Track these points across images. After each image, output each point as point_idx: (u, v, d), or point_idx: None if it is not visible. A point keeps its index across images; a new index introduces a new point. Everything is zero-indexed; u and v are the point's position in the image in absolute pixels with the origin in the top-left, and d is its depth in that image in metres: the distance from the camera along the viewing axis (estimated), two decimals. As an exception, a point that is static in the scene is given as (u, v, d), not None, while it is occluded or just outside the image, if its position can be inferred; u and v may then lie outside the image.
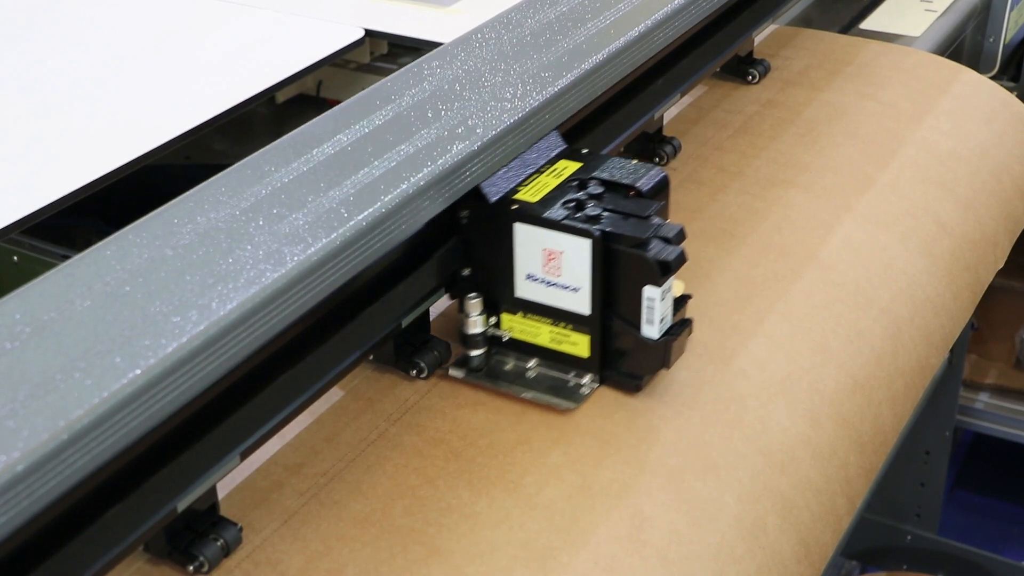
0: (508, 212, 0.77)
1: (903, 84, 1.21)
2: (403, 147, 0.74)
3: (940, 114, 1.17)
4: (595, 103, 0.88)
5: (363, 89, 0.82)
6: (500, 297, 0.80)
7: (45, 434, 0.51)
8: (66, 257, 0.69)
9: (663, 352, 0.77)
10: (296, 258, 0.64)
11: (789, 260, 0.94)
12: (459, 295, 0.81)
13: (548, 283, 0.77)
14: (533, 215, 0.76)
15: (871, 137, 1.12)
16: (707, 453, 0.77)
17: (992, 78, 1.33)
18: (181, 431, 0.62)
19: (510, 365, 0.80)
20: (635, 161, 0.81)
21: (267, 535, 0.69)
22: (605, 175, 0.79)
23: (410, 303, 0.78)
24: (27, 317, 0.57)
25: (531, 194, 0.78)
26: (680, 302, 0.78)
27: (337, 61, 1.11)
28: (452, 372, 0.80)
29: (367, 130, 0.76)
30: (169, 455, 0.62)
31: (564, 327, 0.78)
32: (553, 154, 0.82)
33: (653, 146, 1.05)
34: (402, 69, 0.84)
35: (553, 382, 0.79)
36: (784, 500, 0.78)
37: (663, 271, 0.74)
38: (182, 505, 0.64)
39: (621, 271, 0.75)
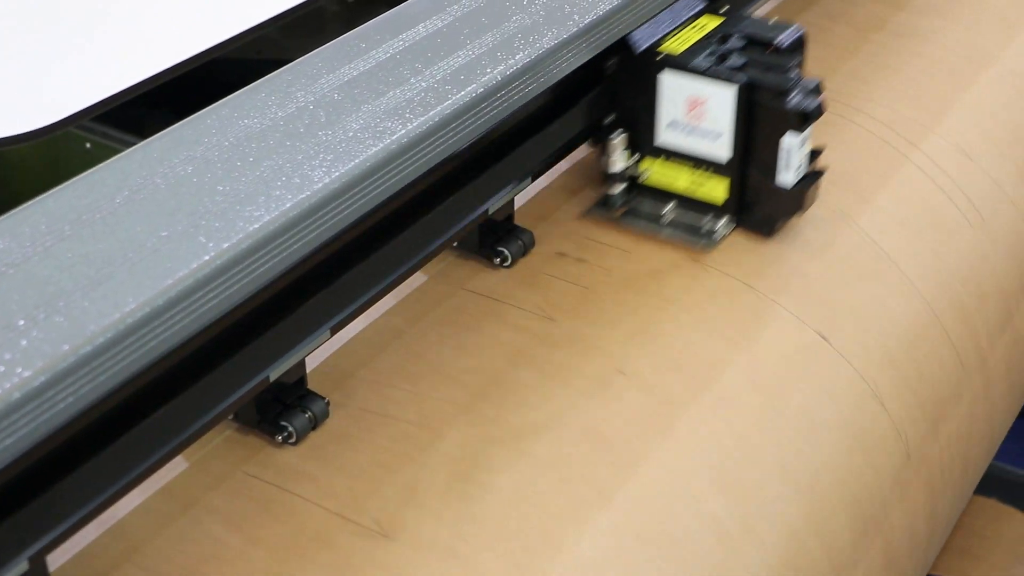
0: (654, 62, 0.81)
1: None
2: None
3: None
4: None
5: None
6: (640, 145, 0.84)
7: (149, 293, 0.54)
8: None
9: (799, 197, 0.81)
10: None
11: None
12: (602, 139, 0.85)
13: (690, 130, 0.82)
14: (680, 64, 0.80)
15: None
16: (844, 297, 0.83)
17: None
18: (273, 304, 0.63)
19: (647, 207, 0.86)
20: (774, 20, 0.85)
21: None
22: (746, 31, 0.84)
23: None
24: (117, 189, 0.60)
25: (676, 45, 0.82)
26: (812, 155, 0.83)
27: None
28: (593, 212, 0.85)
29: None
30: (261, 327, 0.63)
31: (703, 172, 0.83)
32: (695, 11, 0.86)
33: None
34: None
35: (689, 226, 0.84)
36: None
37: (803, 120, 0.79)
38: (274, 375, 0.64)
39: (762, 120, 0.80)
